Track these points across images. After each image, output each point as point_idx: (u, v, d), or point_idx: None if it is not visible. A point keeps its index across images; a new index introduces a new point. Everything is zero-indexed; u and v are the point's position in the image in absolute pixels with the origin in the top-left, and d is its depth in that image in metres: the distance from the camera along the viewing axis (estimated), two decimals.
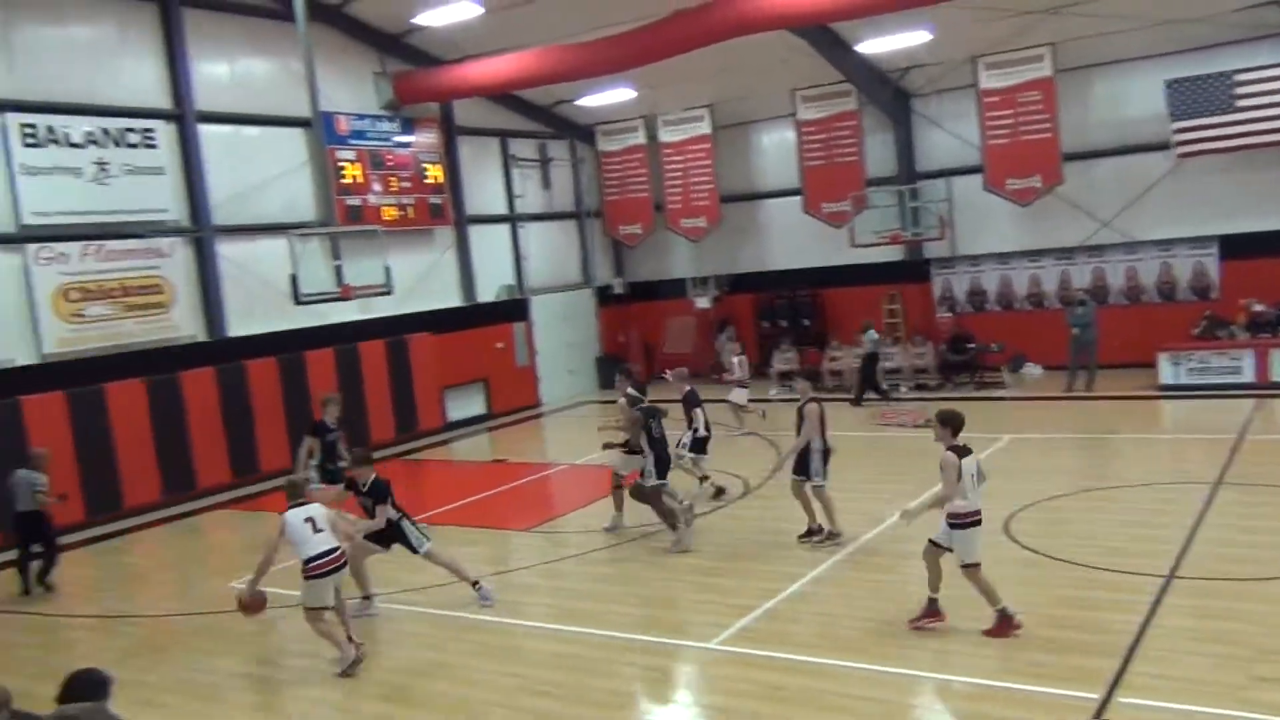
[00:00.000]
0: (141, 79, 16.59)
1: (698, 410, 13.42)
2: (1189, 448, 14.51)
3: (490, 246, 22.83)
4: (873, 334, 19.97)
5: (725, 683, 7.87)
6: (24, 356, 14.95)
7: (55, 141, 15.29)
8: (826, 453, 10.97)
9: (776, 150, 23.73)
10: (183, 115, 16.96)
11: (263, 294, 17.76)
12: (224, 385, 16.96)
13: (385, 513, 9.80)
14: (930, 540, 8.40)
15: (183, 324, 16.76)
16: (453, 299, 21.79)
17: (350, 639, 8.77)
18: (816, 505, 10.95)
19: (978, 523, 8.23)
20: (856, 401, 19.49)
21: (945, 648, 8.01)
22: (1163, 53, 18.85)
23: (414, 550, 9.99)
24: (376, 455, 17.52)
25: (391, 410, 19.61)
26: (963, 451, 8.22)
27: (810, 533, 10.99)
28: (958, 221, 21.52)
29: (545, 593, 10.58)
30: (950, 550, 8.27)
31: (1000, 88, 19.82)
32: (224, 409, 16.92)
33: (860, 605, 9.08)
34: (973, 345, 20.47)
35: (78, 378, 15.27)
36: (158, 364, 16.24)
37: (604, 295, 25.63)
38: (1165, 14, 17.67)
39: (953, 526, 8.19)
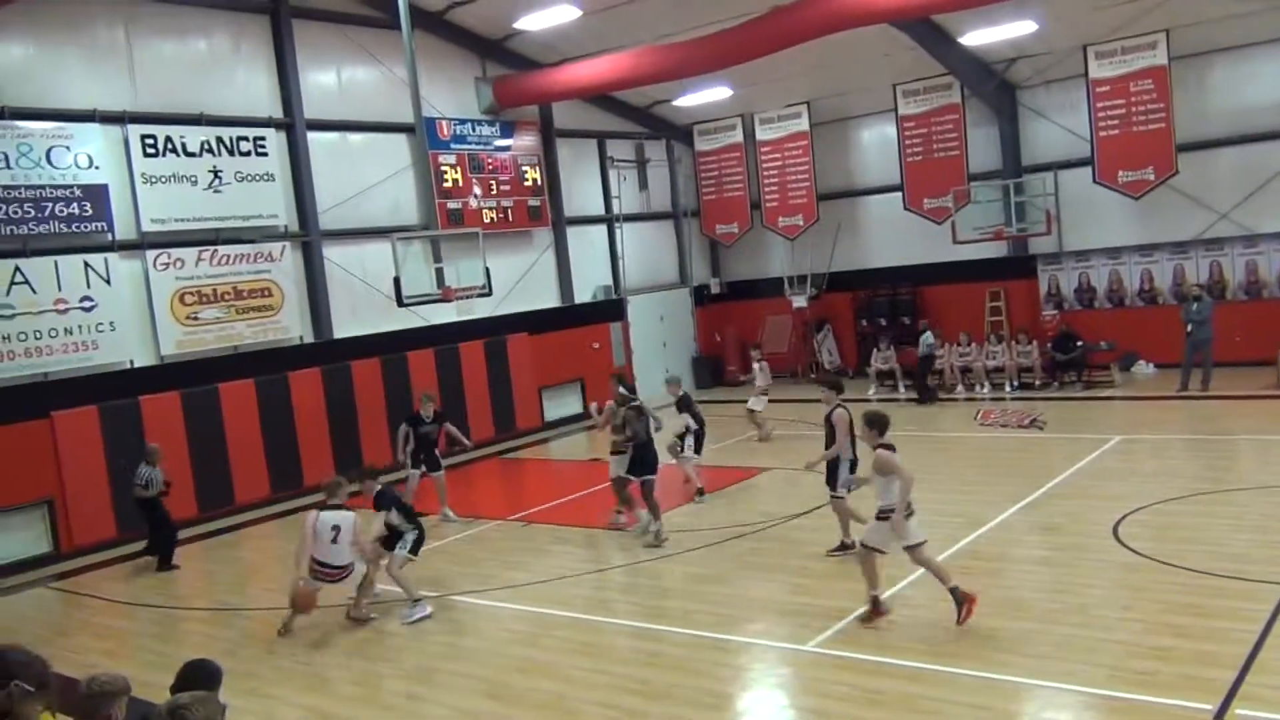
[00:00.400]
0: (253, 89, 17.16)
1: (687, 414, 14.17)
2: None
3: (588, 247, 23.02)
4: (929, 336, 20.04)
5: (820, 685, 7.77)
6: (143, 358, 15.61)
7: (173, 151, 15.92)
8: (854, 463, 10.60)
9: (876, 146, 23.40)
10: (292, 124, 17.49)
11: (366, 296, 18.25)
12: (330, 385, 17.45)
13: (387, 518, 10.42)
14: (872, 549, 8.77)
15: (291, 326, 17.29)
16: (550, 300, 22.02)
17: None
18: (843, 517, 10.70)
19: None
20: (921, 400, 19.80)
21: (1051, 654, 7.77)
22: None
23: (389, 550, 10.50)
24: (476, 454, 18.01)
25: (490, 409, 19.91)
26: (890, 449, 8.72)
27: (844, 547, 10.63)
28: (1065, 216, 20.89)
29: (638, 592, 10.61)
30: (920, 543, 8.64)
31: (1111, 77, 19.14)
32: (329, 408, 17.40)
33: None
34: (1080, 343, 19.84)
35: (193, 378, 15.90)
36: (267, 365, 16.80)
37: (701, 295, 25.62)
38: None
39: (879, 518, 8.71)
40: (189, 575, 13.18)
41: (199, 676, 5.24)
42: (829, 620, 8.89)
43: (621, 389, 13.34)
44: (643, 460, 12.11)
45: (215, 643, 10.03)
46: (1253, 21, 17.76)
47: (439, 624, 10.04)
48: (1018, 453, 15.08)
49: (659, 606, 9.98)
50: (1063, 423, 16.62)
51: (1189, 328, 17.90)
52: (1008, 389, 20.01)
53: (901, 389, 20.94)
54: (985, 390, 20.07)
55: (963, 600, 8.34)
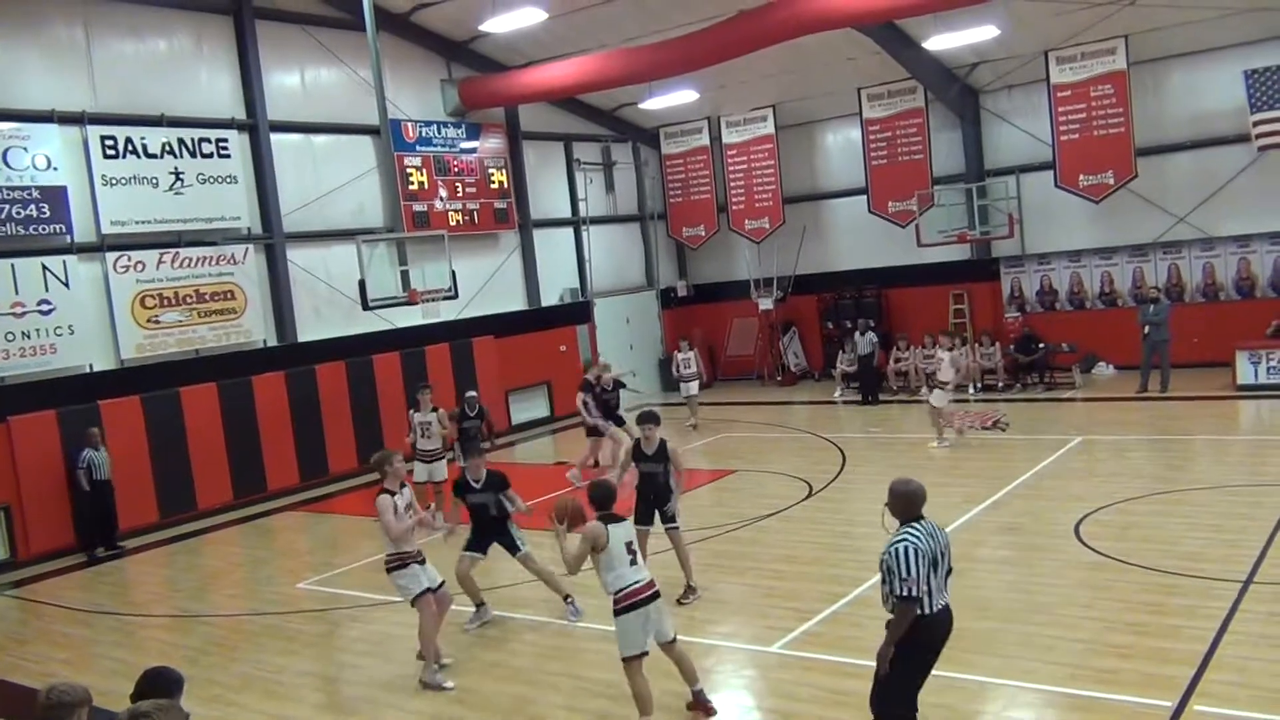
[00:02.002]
0: (216, 90, 17.00)
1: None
2: (1268, 450, 14.06)
3: (554, 250, 22.99)
4: (872, 336, 20.51)
5: (787, 686, 7.80)
6: (103, 362, 15.41)
7: (134, 153, 15.74)
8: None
9: (841, 149, 23.56)
10: (255, 125, 17.34)
11: (331, 299, 18.14)
12: (293, 389, 17.30)
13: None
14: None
15: (254, 329, 17.13)
16: (517, 302, 21.98)
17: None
18: (682, 552, 10.00)
19: (639, 603, 7.03)
20: (866, 400, 20.45)
21: (1014, 654, 7.86)
22: (1242, 42, 18.32)
23: (516, 549, 9.81)
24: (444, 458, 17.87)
25: None
26: (610, 520, 7.20)
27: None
28: (1027, 219, 21.14)
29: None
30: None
31: (1072, 82, 19.39)
32: (293, 412, 17.25)
33: None
34: (1042, 345, 20.08)
35: (154, 382, 15.71)
36: (230, 368, 16.63)
37: (667, 297, 25.66)
38: (1245, 2, 17.17)
39: (616, 613, 7.13)
40: (149, 581, 13.03)
41: (160, 684, 5.18)
42: (796, 621, 8.93)
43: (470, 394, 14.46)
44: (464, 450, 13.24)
45: (176, 650, 9.91)
46: (1208, 28, 18.05)
47: (404, 630, 9.96)
48: (981, 454, 15.22)
49: None
50: (1025, 424, 16.80)
51: (1146, 329, 18.16)
52: (971, 391, 20.19)
53: (859, 393, 21.08)
54: None
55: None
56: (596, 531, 7.09)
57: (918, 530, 5.83)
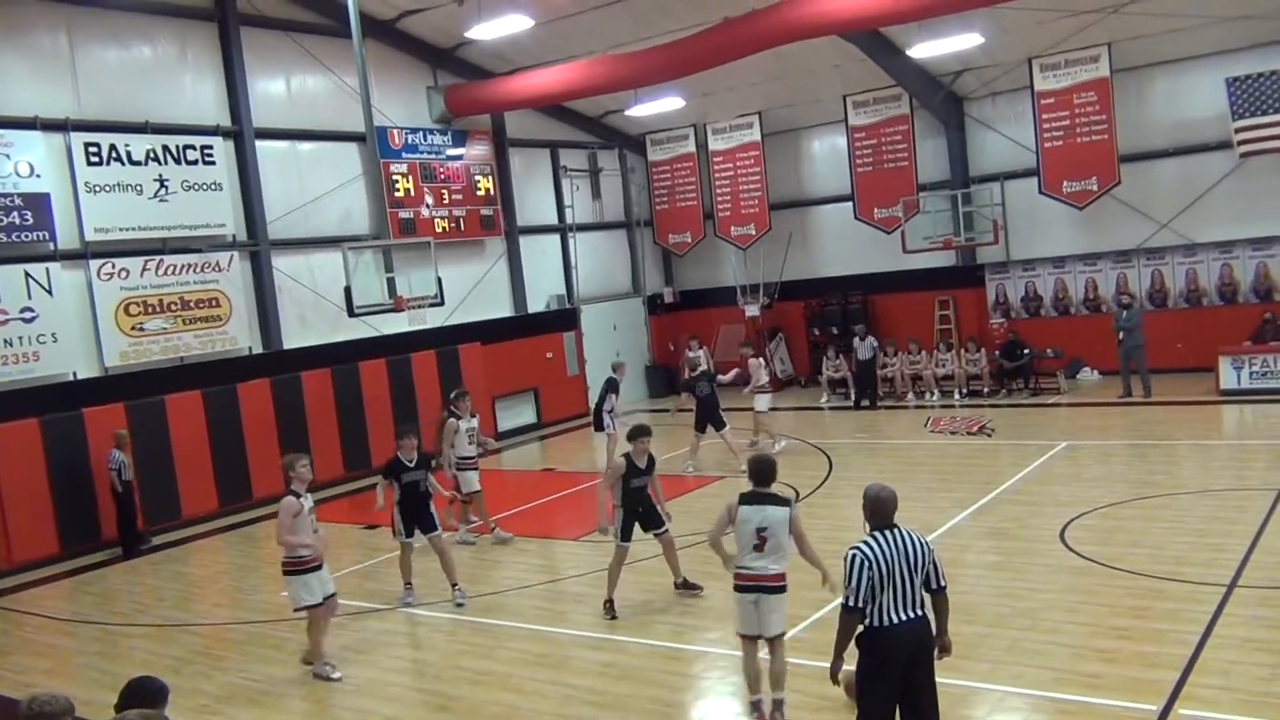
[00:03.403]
0: (200, 97, 16.94)
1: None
2: (1251, 454, 14.16)
3: (540, 257, 22.99)
4: (873, 340, 20.55)
5: None
6: (86, 369, 15.32)
7: (118, 160, 15.66)
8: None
9: (827, 156, 23.64)
10: (240, 132, 17.28)
11: (317, 306, 18.09)
12: (279, 396, 17.22)
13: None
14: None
15: (239, 336, 17.06)
16: (503, 309, 21.95)
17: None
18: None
19: (741, 589, 7.20)
20: (859, 404, 20.47)
21: (1000, 658, 7.88)
22: (1224, 50, 18.48)
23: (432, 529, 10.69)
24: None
25: None
26: (753, 499, 7.28)
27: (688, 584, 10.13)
28: (1011, 225, 21.25)
29: (594, 602, 10.56)
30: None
31: (1056, 89, 19.53)
32: (279, 420, 17.16)
33: None
34: (1027, 351, 20.16)
35: (138, 390, 15.62)
36: (215, 376, 16.55)
37: (654, 304, 25.68)
38: (1227, 10, 17.32)
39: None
40: (133, 591, 12.94)
41: (145, 694, 5.15)
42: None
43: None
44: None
45: (161, 659, 9.85)
46: (1190, 36, 18.21)
47: (392, 637, 9.96)
48: (967, 459, 15.27)
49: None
50: (1011, 429, 16.86)
51: (1120, 335, 18.25)
52: (957, 396, 20.27)
53: (852, 396, 21.14)
54: (935, 398, 20.31)
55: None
56: (730, 504, 7.33)
57: (877, 539, 5.71)
